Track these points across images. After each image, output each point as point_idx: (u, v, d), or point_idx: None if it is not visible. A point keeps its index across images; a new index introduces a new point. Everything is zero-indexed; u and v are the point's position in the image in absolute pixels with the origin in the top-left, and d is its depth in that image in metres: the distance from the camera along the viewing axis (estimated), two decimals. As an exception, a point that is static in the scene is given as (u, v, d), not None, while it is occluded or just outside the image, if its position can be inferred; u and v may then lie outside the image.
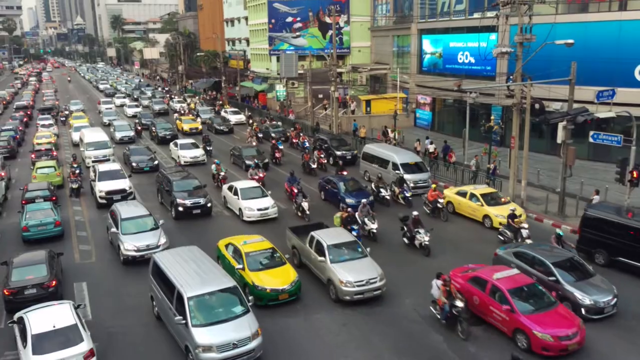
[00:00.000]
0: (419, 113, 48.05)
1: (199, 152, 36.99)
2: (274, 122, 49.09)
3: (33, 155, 36.45)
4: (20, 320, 14.32)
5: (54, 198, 26.59)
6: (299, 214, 25.22)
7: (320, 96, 54.10)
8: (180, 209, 25.17)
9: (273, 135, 42.95)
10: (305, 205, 24.87)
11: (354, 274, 17.17)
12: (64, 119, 57.00)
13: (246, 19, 72.89)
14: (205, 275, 15.34)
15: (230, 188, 26.71)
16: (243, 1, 73.12)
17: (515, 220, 21.51)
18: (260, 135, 43.77)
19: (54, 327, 13.75)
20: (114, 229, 21.51)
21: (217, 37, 78.87)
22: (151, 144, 42.95)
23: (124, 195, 27.15)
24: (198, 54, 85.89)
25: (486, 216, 23.75)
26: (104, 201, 26.99)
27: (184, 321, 13.90)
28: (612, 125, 27.96)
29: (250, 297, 15.62)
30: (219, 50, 76.53)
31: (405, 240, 21.70)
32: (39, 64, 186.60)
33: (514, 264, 17.66)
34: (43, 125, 49.57)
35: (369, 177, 30.47)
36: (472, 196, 24.62)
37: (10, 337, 14.78)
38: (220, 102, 65.57)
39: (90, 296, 18.19)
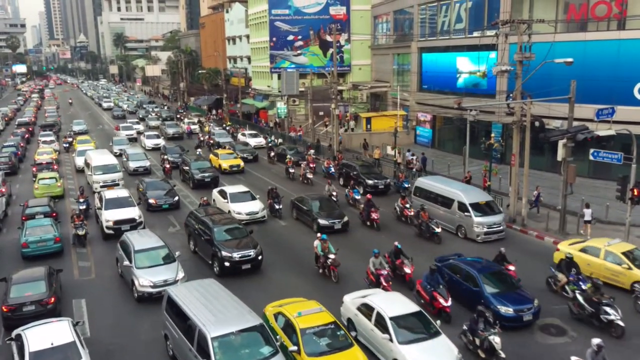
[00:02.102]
0: (420, 130, 48.27)
1: (257, 206, 27.48)
2: (282, 142, 48.55)
3: (34, 169, 37.93)
4: (18, 338, 14.15)
5: (54, 214, 26.58)
6: (482, 354, 14.53)
7: (321, 113, 54.47)
8: (227, 264, 20.40)
9: (290, 157, 38.50)
10: (496, 341, 14.19)
11: None
12: (67, 145, 50.45)
13: (248, 37, 73.55)
14: (228, 311, 13.91)
15: (366, 312, 15.45)
16: (245, 19, 73.92)
17: None
18: (311, 173, 35.03)
19: (52, 344, 13.58)
20: (126, 262, 19.37)
21: (218, 55, 79.61)
22: (183, 189, 34.15)
23: (133, 225, 24.80)
24: (200, 71, 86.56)
25: (637, 283, 18.23)
26: (111, 231, 24.63)
27: None
28: (612, 143, 27.98)
29: (277, 337, 13.89)
30: (221, 68, 77.26)
31: None
32: (42, 80, 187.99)
33: None
34: (44, 142, 49.86)
35: (552, 282, 18.86)
36: (609, 254, 19.21)
37: (8, 354, 14.59)
38: (225, 123, 63.66)
39: (89, 313, 18.04)
